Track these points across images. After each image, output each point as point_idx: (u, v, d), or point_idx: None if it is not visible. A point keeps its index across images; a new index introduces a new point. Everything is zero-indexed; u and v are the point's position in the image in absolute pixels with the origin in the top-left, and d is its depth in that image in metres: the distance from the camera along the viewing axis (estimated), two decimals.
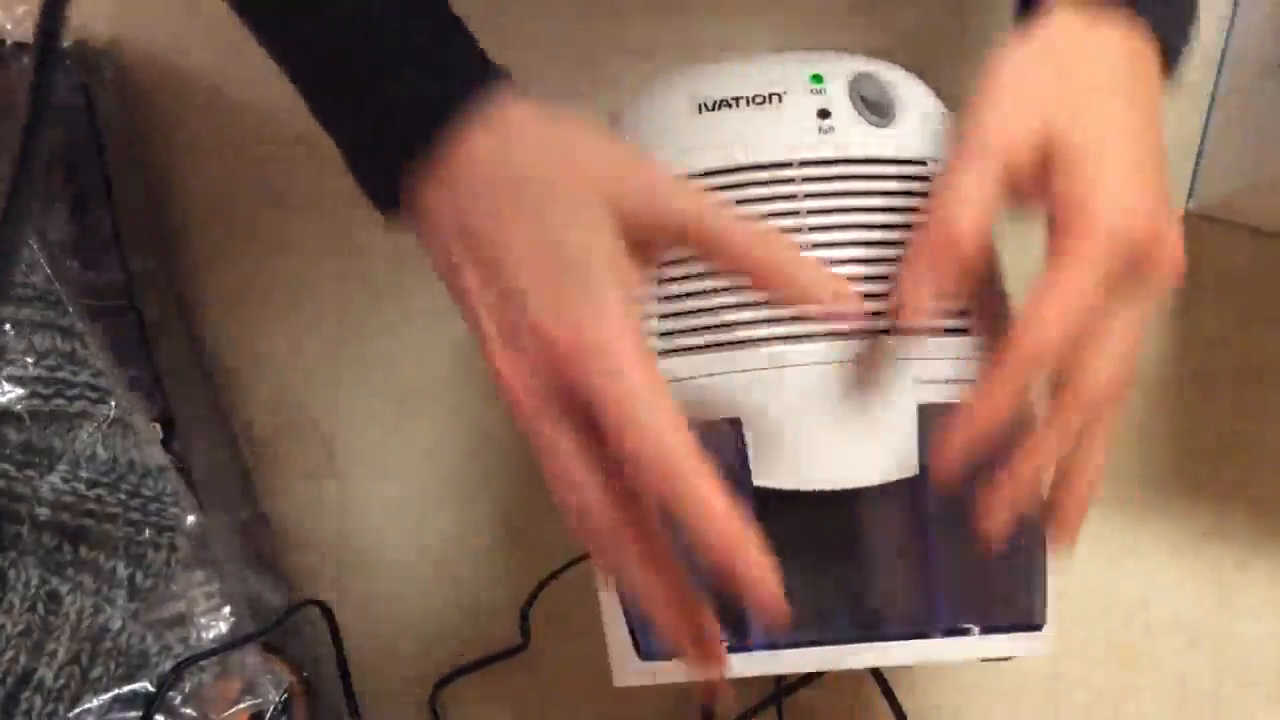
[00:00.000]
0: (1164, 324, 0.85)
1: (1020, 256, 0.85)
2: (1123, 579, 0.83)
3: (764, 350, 0.61)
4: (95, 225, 0.78)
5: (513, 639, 0.81)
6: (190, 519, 0.72)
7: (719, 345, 0.62)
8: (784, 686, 0.79)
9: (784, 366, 0.61)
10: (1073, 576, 0.82)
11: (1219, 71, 0.86)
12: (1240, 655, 0.82)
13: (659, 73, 0.72)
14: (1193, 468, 0.84)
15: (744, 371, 0.61)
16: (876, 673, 0.78)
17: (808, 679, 0.79)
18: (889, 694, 0.78)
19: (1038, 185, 0.58)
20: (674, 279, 0.64)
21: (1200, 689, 0.81)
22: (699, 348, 0.62)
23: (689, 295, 0.63)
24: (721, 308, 0.62)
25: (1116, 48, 0.61)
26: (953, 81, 0.87)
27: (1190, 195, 0.86)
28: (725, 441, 0.61)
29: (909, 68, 0.72)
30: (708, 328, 0.62)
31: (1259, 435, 0.84)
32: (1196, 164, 0.86)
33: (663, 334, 0.63)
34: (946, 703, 0.81)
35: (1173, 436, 0.84)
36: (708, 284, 0.63)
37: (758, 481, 0.60)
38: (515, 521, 0.83)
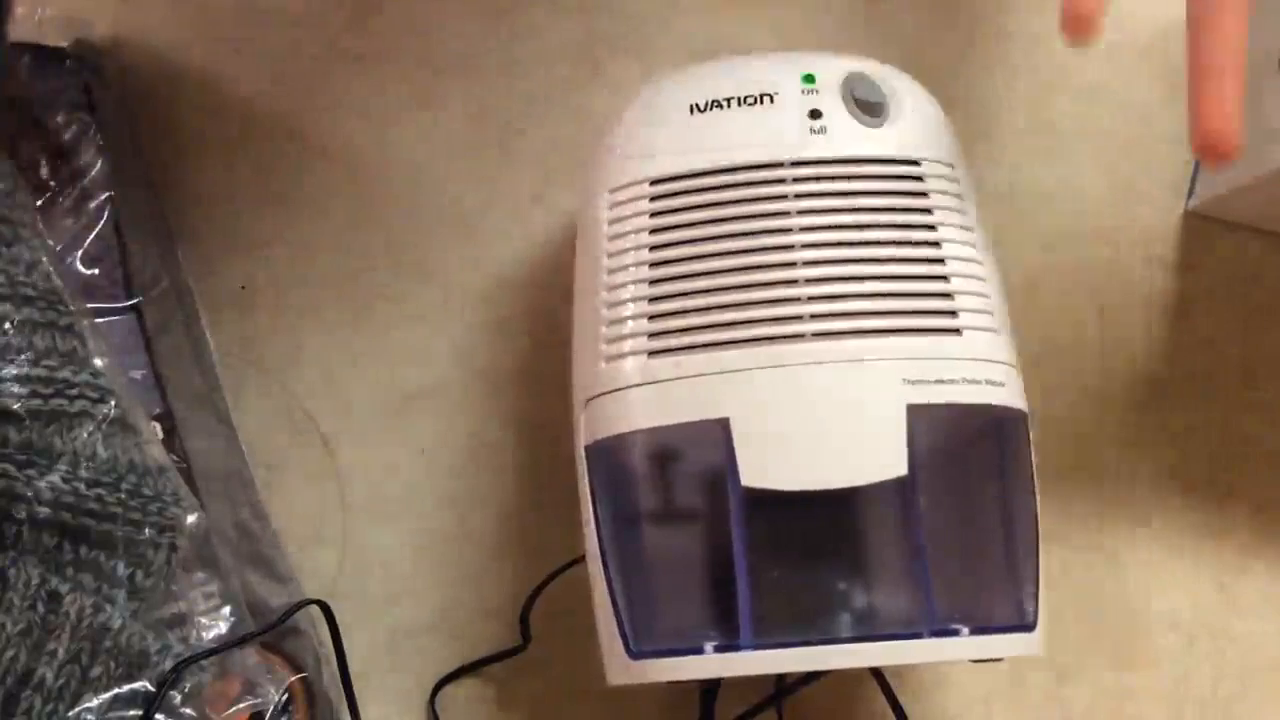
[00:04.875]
0: (1164, 324, 0.85)
1: (1018, 255, 0.85)
2: (1123, 579, 0.83)
3: (752, 350, 0.61)
4: (95, 225, 0.79)
5: (513, 639, 0.81)
6: (190, 519, 0.72)
7: (707, 345, 0.62)
8: (784, 686, 0.79)
9: (772, 366, 0.61)
10: (1073, 576, 0.82)
11: None
12: (1240, 655, 0.81)
13: (657, 72, 0.72)
14: (1192, 467, 0.83)
15: (733, 371, 0.61)
16: (877, 673, 0.78)
17: (808, 679, 0.79)
18: (889, 694, 0.78)
19: None
20: (662, 279, 0.64)
21: (1200, 689, 0.81)
22: (687, 348, 0.62)
23: (677, 295, 0.63)
24: (710, 308, 0.62)
25: None
26: (950, 82, 0.88)
27: (1190, 195, 0.86)
28: (713, 442, 0.61)
29: (905, 68, 0.72)
30: (696, 328, 0.62)
31: (1259, 435, 0.84)
32: (1196, 164, 0.86)
33: (651, 334, 0.63)
34: (947, 703, 0.81)
35: (1173, 436, 0.84)
36: (696, 284, 0.63)
37: (746, 482, 0.60)
38: (515, 521, 0.83)
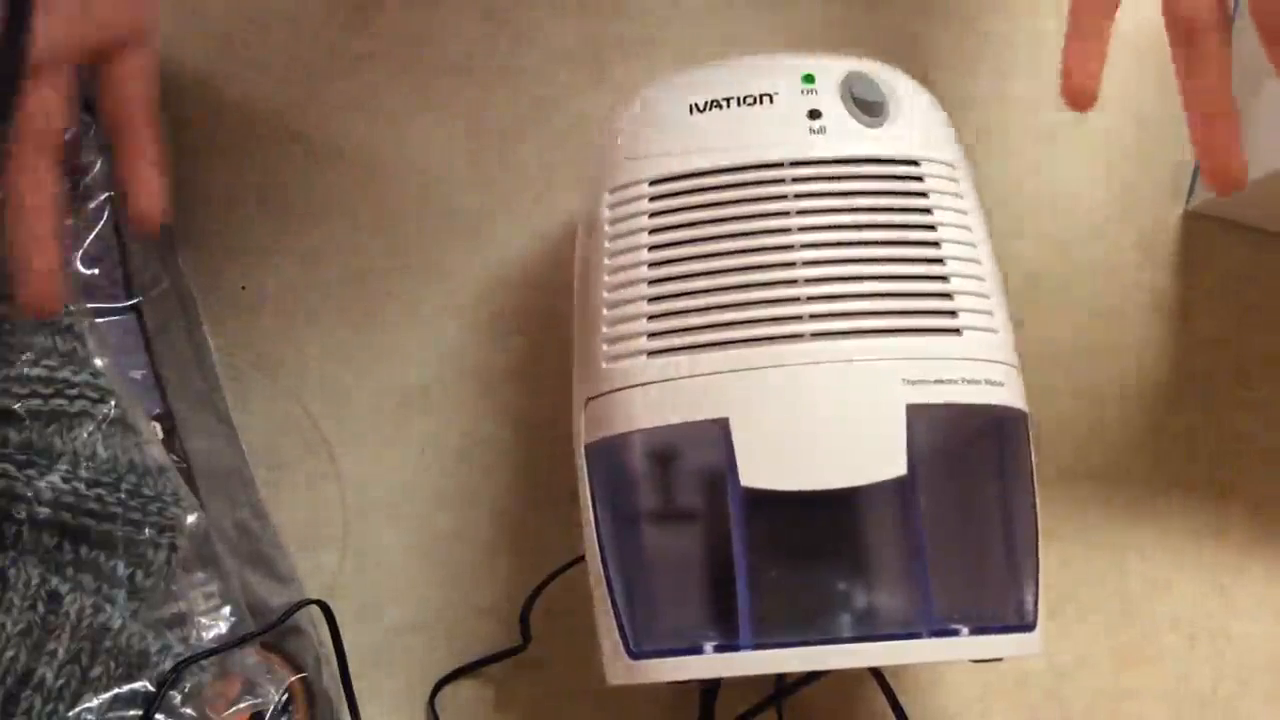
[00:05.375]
0: (1164, 324, 0.85)
1: (1018, 255, 0.85)
2: (1123, 579, 0.83)
3: (752, 350, 0.61)
4: (95, 225, 0.79)
5: (513, 639, 0.81)
6: (190, 519, 0.72)
7: (707, 345, 0.62)
8: (784, 686, 0.79)
9: (772, 366, 0.61)
10: (1073, 576, 0.82)
11: None
12: (1239, 655, 0.81)
13: (658, 73, 0.72)
14: (1192, 467, 0.83)
15: (732, 371, 0.61)
16: (877, 673, 0.78)
17: (808, 679, 0.79)
18: (889, 694, 0.78)
19: None
20: (662, 279, 0.64)
21: (1200, 689, 0.81)
22: (687, 347, 0.62)
23: (678, 295, 0.63)
24: (709, 308, 0.62)
25: None
26: (950, 82, 0.88)
27: (1190, 195, 0.86)
28: (713, 442, 0.61)
29: (905, 68, 0.72)
30: (696, 328, 0.62)
31: (1258, 435, 0.84)
32: (1196, 164, 0.86)
33: (651, 334, 0.63)
34: (947, 702, 0.81)
35: (1173, 436, 0.84)
36: (696, 284, 0.63)
37: (746, 482, 0.60)
38: (515, 521, 0.83)
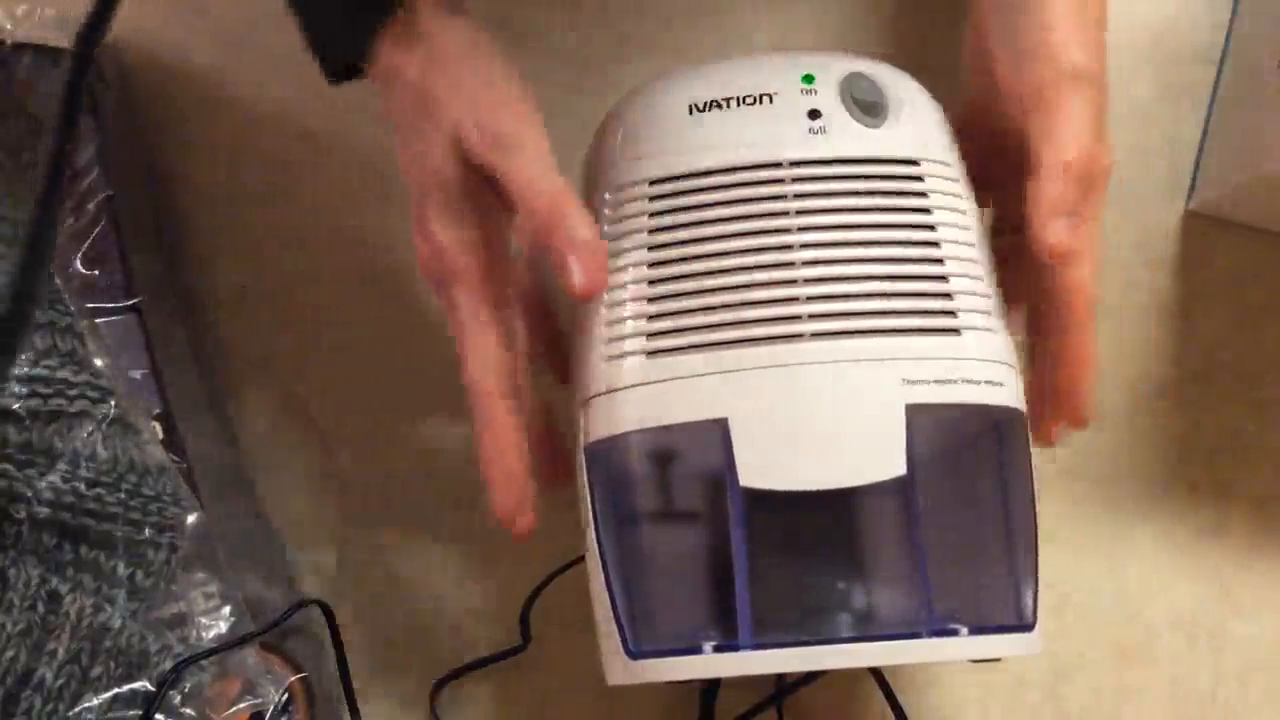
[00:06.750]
0: (1164, 324, 0.85)
1: None
2: (1123, 579, 0.83)
3: (751, 350, 0.61)
4: (95, 225, 0.79)
5: (513, 639, 0.81)
6: (190, 519, 0.72)
7: (706, 345, 0.62)
8: (784, 686, 0.79)
9: (771, 366, 0.61)
10: (1073, 576, 0.82)
11: (1219, 71, 0.86)
12: (1239, 655, 0.81)
13: (658, 73, 0.72)
14: (1193, 467, 0.83)
15: (731, 371, 0.61)
16: (876, 672, 0.78)
17: (808, 678, 0.79)
18: (889, 694, 0.78)
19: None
20: (661, 279, 0.64)
21: (1200, 689, 0.81)
22: (686, 348, 0.62)
23: (676, 295, 0.63)
24: (709, 308, 0.62)
25: None
26: (950, 82, 0.87)
27: (1190, 195, 0.86)
28: (712, 442, 0.61)
29: (905, 68, 0.72)
30: (694, 328, 0.62)
31: (1259, 435, 0.84)
32: (1196, 164, 0.86)
33: (650, 334, 0.63)
34: (946, 702, 0.81)
35: (1173, 436, 0.84)
36: (695, 284, 0.63)
37: (745, 482, 0.60)
38: None
